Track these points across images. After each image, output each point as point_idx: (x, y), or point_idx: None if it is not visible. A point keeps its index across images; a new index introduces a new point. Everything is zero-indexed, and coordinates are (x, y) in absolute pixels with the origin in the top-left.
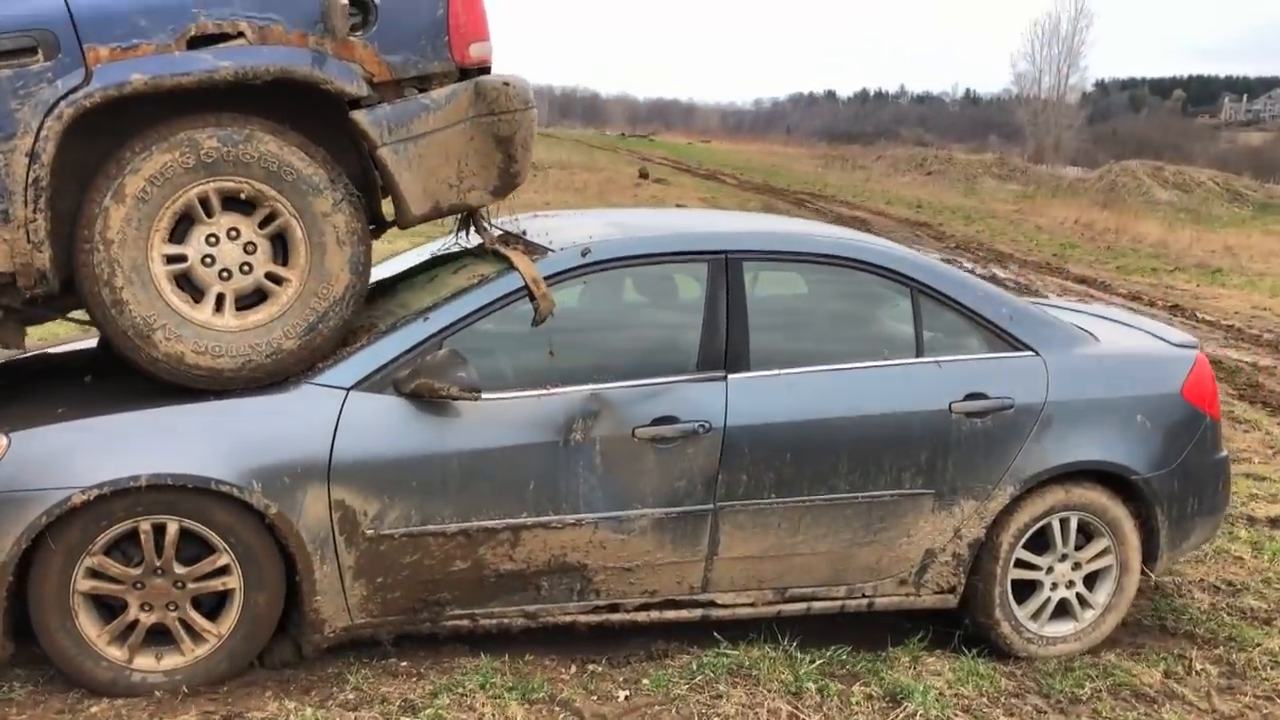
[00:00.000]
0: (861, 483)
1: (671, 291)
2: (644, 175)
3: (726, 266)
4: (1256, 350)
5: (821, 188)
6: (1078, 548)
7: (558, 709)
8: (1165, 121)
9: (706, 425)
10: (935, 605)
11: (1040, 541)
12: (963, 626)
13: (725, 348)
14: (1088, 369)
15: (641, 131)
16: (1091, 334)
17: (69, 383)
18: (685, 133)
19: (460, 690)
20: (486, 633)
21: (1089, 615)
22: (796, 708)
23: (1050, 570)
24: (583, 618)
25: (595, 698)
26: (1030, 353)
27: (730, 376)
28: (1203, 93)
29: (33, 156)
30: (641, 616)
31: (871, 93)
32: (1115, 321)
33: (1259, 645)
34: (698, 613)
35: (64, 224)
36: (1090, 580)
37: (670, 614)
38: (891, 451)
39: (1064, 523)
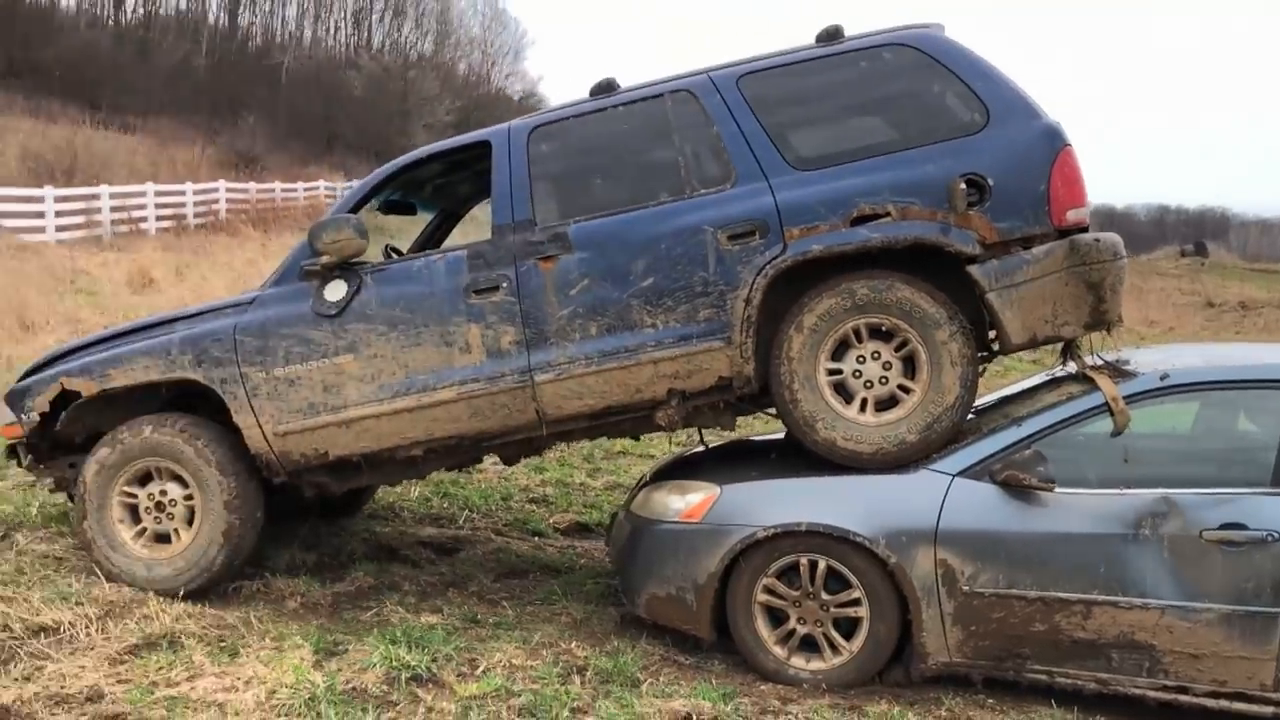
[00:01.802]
0: None
1: (1253, 412)
2: None
3: None
4: None
5: None
6: None
7: None
8: None
9: (1276, 535)
10: None
11: None
12: None
13: None
14: None
15: None
16: None
17: (761, 457)
18: None
19: None
20: (1063, 690)
21: None
22: None
23: None
24: (1151, 694)
25: None
26: None
27: None
28: None
29: (747, 301)
30: (1210, 703)
31: None
32: None
33: None
34: (1270, 709)
35: (764, 346)
36: None
37: (1240, 706)
38: None
39: None
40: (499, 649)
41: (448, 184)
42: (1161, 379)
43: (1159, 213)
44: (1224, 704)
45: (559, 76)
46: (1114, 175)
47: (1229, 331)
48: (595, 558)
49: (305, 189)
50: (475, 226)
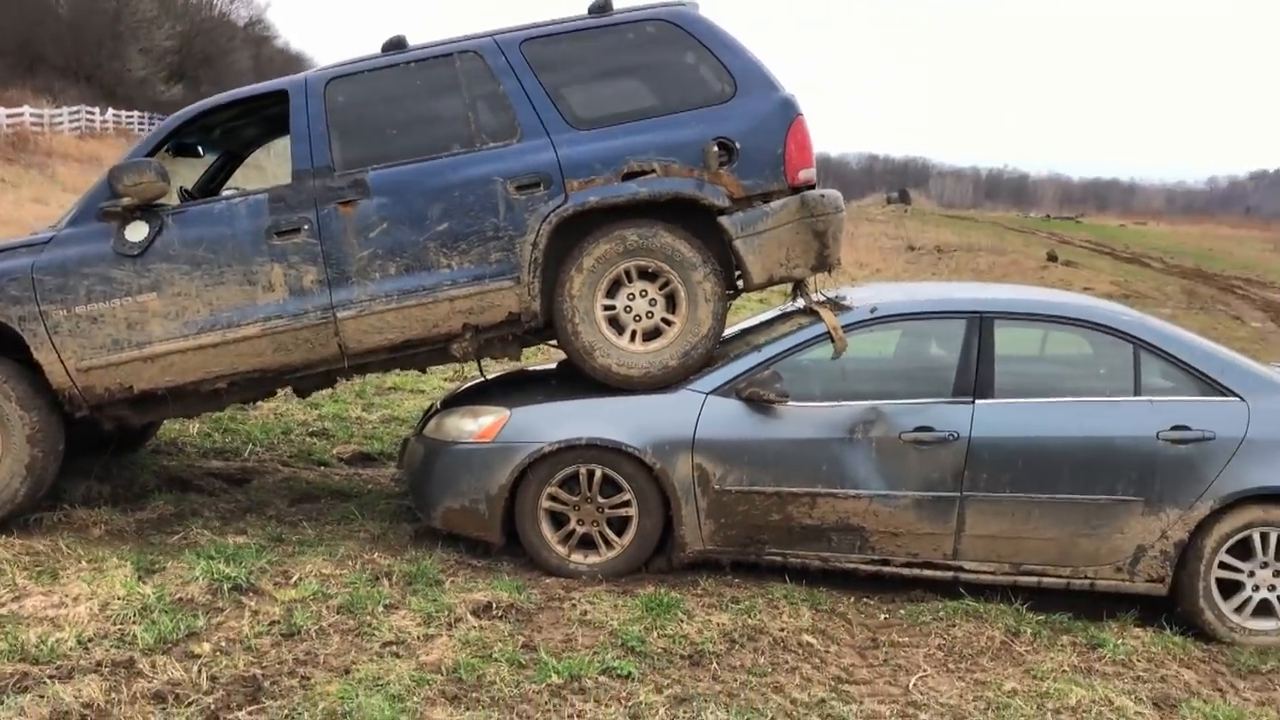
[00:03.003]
0: (1082, 488)
1: (941, 337)
2: (1052, 258)
3: (980, 323)
4: None
5: (1262, 274)
6: (1277, 558)
7: (834, 616)
8: None
9: (956, 434)
10: (1147, 591)
11: (1244, 549)
12: (1174, 612)
13: (975, 380)
14: None
15: (1069, 213)
16: None
17: (543, 384)
18: (1121, 214)
19: (770, 597)
20: (794, 567)
21: None
22: (1011, 640)
23: (1253, 574)
24: (862, 567)
25: (862, 614)
26: (1235, 398)
27: (977, 401)
28: None
29: (534, 245)
30: (906, 572)
31: None
32: None
33: None
34: (949, 574)
35: (548, 285)
36: None
37: (928, 573)
38: (1106, 466)
39: (1264, 536)
40: (308, 562)
41: (236, 129)
42: (872, 311)
43: (869, 161)
44: (916, 572)
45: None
46: (830, 125)
47: (926, 272)
48: (381, 483)
49: (7, 115)
50: (256, 171)
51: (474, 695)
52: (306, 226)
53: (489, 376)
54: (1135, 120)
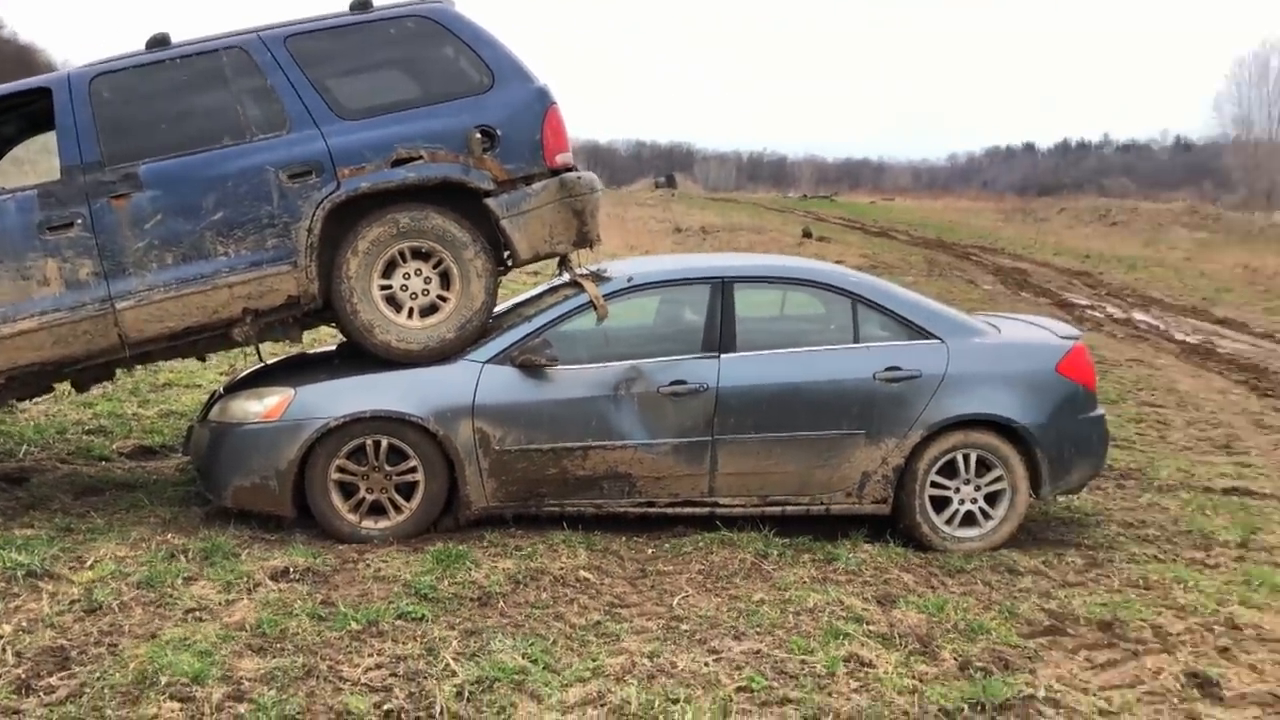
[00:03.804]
0: (814, 425)
1: (690, 301)
2: (807, 235)
3: (723, 286)
4: None
5: (993, 241)
6: (978, 475)
7: (608, 554)
8: None
9: (706, 385)
10: (874, 511)
11: (951, 469)
12: (897, 528)
13: (719, 337)
14: (983, 351)
15: (824, 192)
16: (997, 328)
17: (326, 364)
18: (871, 192)
19: (550, 543)
20: (570, 516)
21: (990, 524)
22: (760, 561)
23: (958, 490)
24: (631, 510)
25: (632, 550)
26: (937, 340)
27: (723, 355)
28: None
29: (309, 231)
30: (669, 511)
31: (1073, 143)
32: (1027, 323)
33: (1128, 551)
34: (707, 510)
35: (326, 268)
36: (990, 499)
37: (689, 510)
38: (833, 405)
39: (966, 457)
40: (101, 546)
41: None
42: (628, 281)
43: (636, 147)
44: (678, 510)
45: None
46: (597, 113)
47: (692, 252)
48: (166, 474)
49: None
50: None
51: (278, 646)
52: (79, 220)
53: (268, 362)
54: (883, 105)
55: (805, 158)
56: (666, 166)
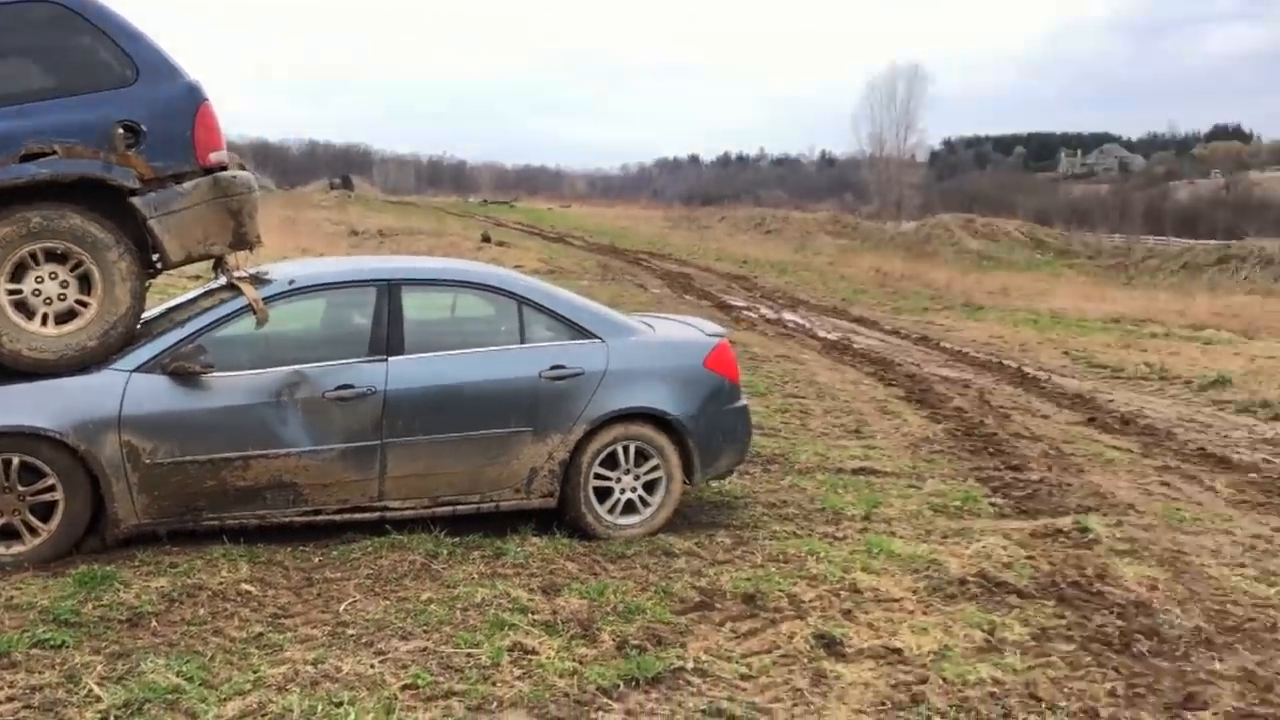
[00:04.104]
0: (483, 424)
1: (357, 304)
2: (486, 239)
3: (390, 289)
4: (963, 367)
5: (661, 247)
6: (637, 465)
7: (272, 566)
8: (1008, 177)
9: (374, 389)
10: (542, 505)
11: (612, 461)
12: (563, 520)
13: (387, 340)
14: (639, 348)
15: (504, 198)
16: (652, 327)
17: None
18: (550, 198)
19: (209, 558)
20: (232, 529)
21: (648, 510)
22: (430, 561)
23: (619, 480)
24: (297, 519)
25: (298, 560)
26: (598, 339)
27: (391, 358)
28: (1042, 149)
29: None
30: (337, 518)
31: (733, 157)
32: (679, 322)
33: (770, 529)
34: (377, 515)
35: None
36: (649, 487)
37: (358, 516)
38: (501, 404)
39: (626, 448)
40: None
41: None
42: (290, 283)
43: (310, 147)
44: (347, 516)
45: None
46: (269, 111)
47: (369, 254)
48: None
49: None
50: None
51: None
52: None
53: None
54: (559, 118)
55: (485, 163)
56: (343, 168)
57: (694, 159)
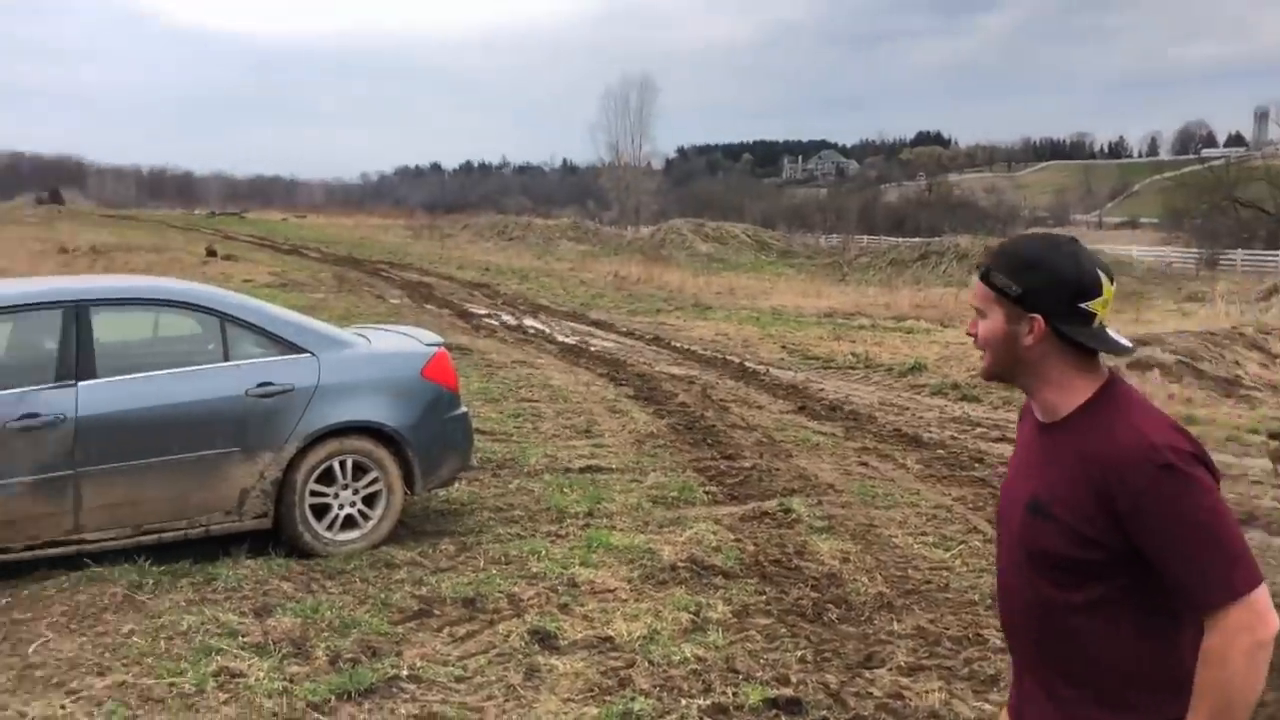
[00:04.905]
0: (187, 447)
1: (42, 328)
2: (212, 253)
3: (77, 310)
4: (690, 364)
5: (403, 257)
6: (355, 479)
7: None
8: (739, 183)
9: (63, 416)
10: (256, 526)
11: (329, 476)
12: (280, 539)
13: (76, 364)
14: (353, 361)
15: (233, 209)
16: (368, 339)
17: None
18: (284, 209)
19: None
20: None
21: (369, 524)
22: (134, 592)
23: (338, 495)
24: None
25: None
26: (309, 354)
27: (80, 383)
28: (766, 155)
29: None
30: (28, 555)
31: (476, 164)
32: (396, 333)
33: (495, 532)
34: (73, 548)
35: None
36: (369, 500)
37: (53, 551)
38: (206, 424)
39: (343, 463)
40: None
41: None
42: None
43: (13, 159)
44: (40, 552)
45: None
46: None
47: (79, 274)
48: None
49: None
50: None
51: None
52: None
53: None
54: (292, 125)
55: (213, 174)
56: (53, 180)
57: (436, 167)
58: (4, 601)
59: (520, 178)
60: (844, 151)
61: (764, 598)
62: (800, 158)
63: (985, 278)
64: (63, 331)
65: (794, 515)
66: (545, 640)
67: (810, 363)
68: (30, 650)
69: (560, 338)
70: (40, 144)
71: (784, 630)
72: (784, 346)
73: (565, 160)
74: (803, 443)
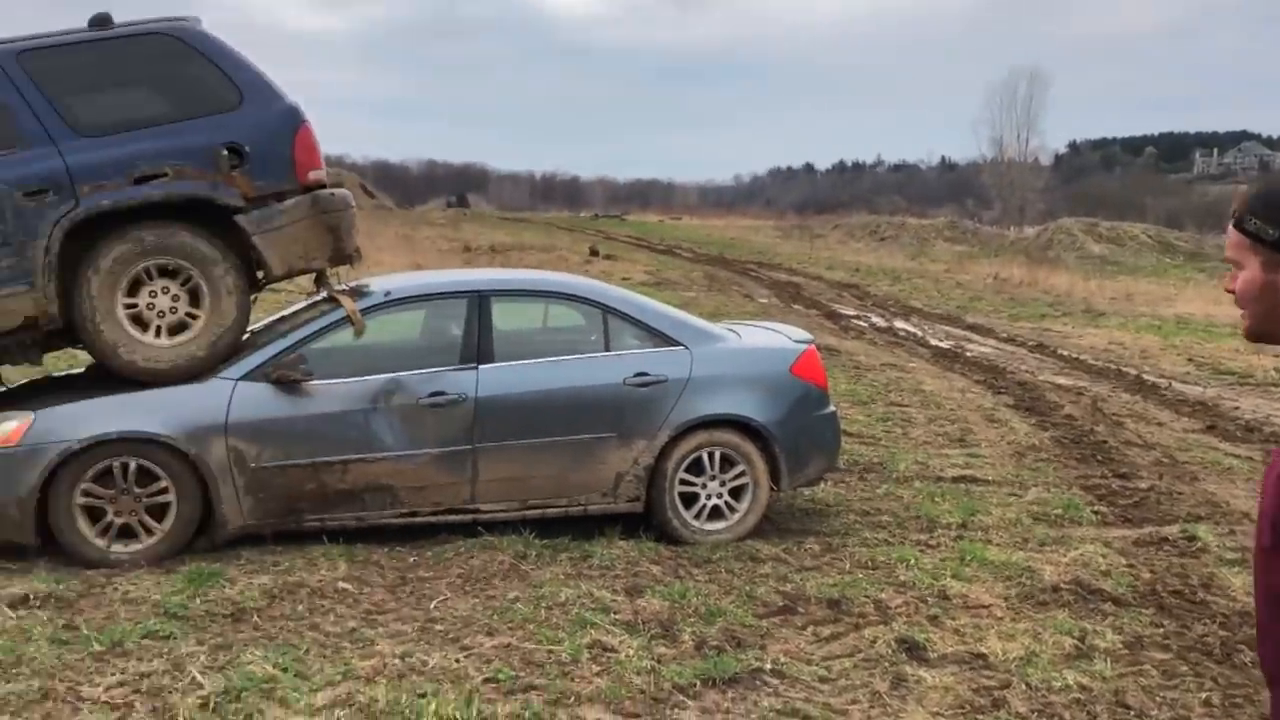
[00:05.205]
0: (569, 430)
1: (451, 315)
2: (594, 253)
3: (480, 300)
4: (1078, 374)
5: (771, 257)
6: (723, 471)
7: (369, 565)
8: (1139, 179)
9: (465, 396)
10: (629, 510)
11: (698, 466)
12: (650, 524)
13: (478, 348)
14: (724, 355)
15: (615, 212)
16: (738, 335)
17: (71, 386)
18: (660, 211)
19: (309, 557)
20: (332, 530)
21: (735, 516)
22: (519, 561)
23: (705, 486)
24: (394, 521)
25: (394, 560)
26: (682, 347)
27: (481, 366)
28: (1175, 149)
29: (47, 250)
30: (433, 520)
31: (849, 164)
32: (766, 329)
33: (861, 536)
34: (469, 517)
35: (67, 287)
36: (735, 493)
37: (452, 518)
38: (587, 410)
39: (711, 454)
40: None
41: None
42: (386, 295)
43: (428, 167)
44: (441, 518)
45: None
46: (386, 133)
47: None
48: None
49: None
50: None
51: (14, 671)
52: None
53: (10, 386)
54: (672, 129)
55: (597, 178)
56: (460, 186)
57: (808, 167)
58: (411, 560)
59: (894, 176)
60: (1269, 143)
61: (1161, 630)
62: (1215, 150)
63: (1239, 224)
64: (467, 318)
65: (1199, 544)
66: (913, 650)
67: (1223, 377)
68: (431, 606)
69: (933, 341)
70: (451, 153)
71: (1185, 668)
72: (1190, 359)
73: (943, 158)
74: (1211, 465)
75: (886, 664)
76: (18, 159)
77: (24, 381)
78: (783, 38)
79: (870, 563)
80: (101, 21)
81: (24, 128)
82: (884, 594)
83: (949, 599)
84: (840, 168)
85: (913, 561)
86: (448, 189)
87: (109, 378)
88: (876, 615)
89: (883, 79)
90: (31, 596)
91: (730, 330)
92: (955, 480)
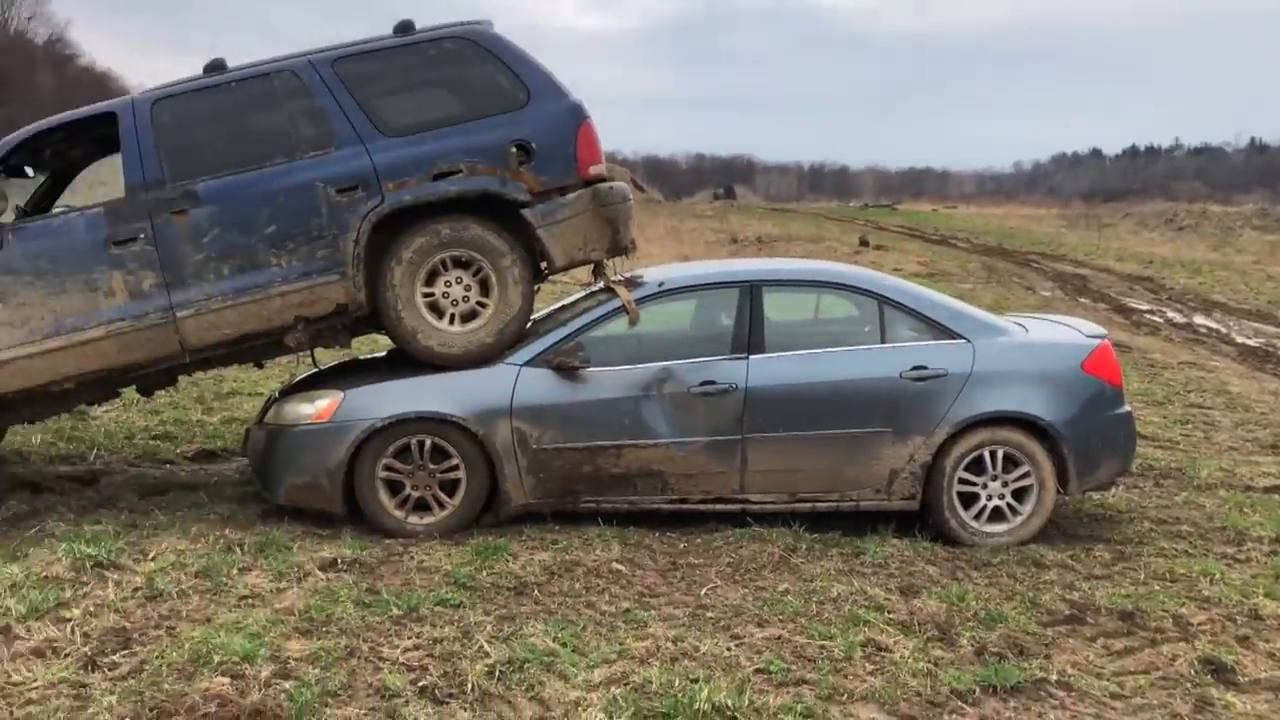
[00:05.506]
0: (842, 423)
1: (722, 305)
2: (864, 243)
3: (751, 290)
4: None
5: (1055, 248)
6: (1006, 471)
7: (641, 548)
8: None
9: (736, 385)
10: (904, 508)
11: (978, 466)
12: (925, 524)
13: (749, 338)
14: (1009, 350)
15: (886, 201)
16: (1025, 328)
17: (374, 368)
18: (934, 200)
19: (585, 537)
20: (606, 512)
21: (1018, 519)
22: (789, 555)
23: (986, 486)
24: (664, 506)
25: (665, 545)
26: (964, 340)
27: (751, 356)
28: None
29: (356, 242)
30: (702, 507)
31: (1141, 148)
32: (1056, 323)
33: (1157, 546)
34: (738, 507)
35: (372, 277)
36: (1018, 495)
37: (721, 506)
38: (860, 404)
39: (993, 453)
40: (164, 540)
41: (65, 150)
42: (659, 286)
43: (696, 160)
44: (710, 506)
45: (92, 20)
46: (659, 128)
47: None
48: (227, 476)
49: None
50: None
51: (324, 629)
52: (143, 235)
53: (323, 367)
54: (945, 115)
55: (868, 167)
56: (726, 178)
57: (1096, 153)
58: (682, 546)
59: (1194, 160)
60: None
61: None
62: None
63: None
64: (739, 308)
65: None
66: (1220, 672)
67: None
68: (702, 593)
69: (1240, 339)
70: (718, 145)
71: None
72: None
73: (1253, 139)
74: None
75: (1189, 685)
76: (332, 159)
77: (334, 363)
78: (1067, 14)
79: (1168, 575)
80: (405, 28)
81: (337, 129)
82: (1184, 609)
83: (1262, 619)
84: (1131, 152)
85: (1218, 576)
86: (714, 181)
87: (407, 361)
88: (1176, 631)
89: (1181, 56)
90: (339, 561)
91: (1016, 323)
92: (1268, 490)
